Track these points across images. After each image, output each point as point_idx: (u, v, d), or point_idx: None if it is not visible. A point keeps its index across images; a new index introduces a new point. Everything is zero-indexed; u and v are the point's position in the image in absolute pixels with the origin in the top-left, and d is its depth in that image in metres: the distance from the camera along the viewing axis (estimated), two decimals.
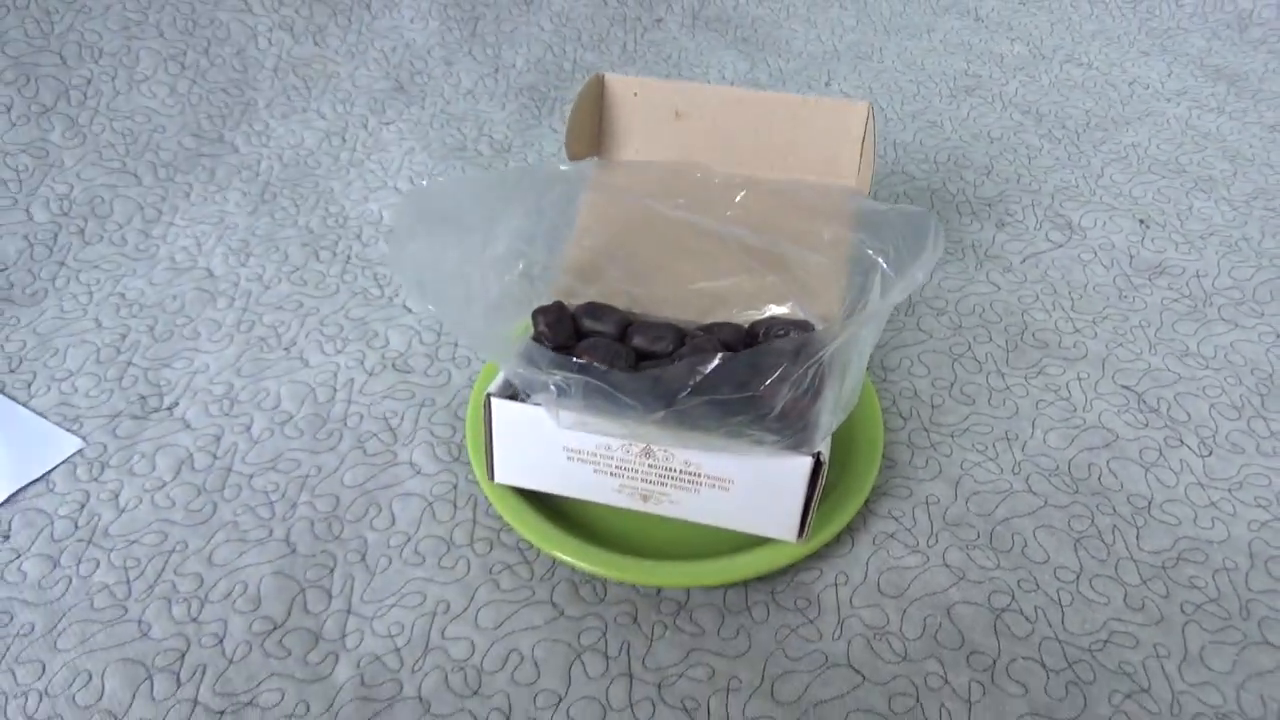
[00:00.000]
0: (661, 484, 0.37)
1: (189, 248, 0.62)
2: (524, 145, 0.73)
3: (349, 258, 0.59)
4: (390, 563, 0.40)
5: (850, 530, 0.41)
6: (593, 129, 0.53)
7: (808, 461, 0.34)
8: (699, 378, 0.31)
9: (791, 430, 0.33)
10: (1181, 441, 0.49)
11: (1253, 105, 0.82)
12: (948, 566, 0.41)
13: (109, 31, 0.74)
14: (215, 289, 0.59)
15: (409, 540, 0.43)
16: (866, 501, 0.41)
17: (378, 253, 0.59)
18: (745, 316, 0.42)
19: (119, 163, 0.68)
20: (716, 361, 0.32)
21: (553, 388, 0.32)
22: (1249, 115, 0.80)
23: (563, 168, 0.43)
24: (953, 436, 0.47)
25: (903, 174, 0.68)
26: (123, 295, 0.58)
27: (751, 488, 0.36)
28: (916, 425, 0.47)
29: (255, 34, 0.78)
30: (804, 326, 0.41)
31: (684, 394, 0.31)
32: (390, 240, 0.40)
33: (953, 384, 0.50)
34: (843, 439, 0.43)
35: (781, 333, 0.40)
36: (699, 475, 0.37)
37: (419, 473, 0.44)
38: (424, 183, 0.37)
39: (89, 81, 0.71)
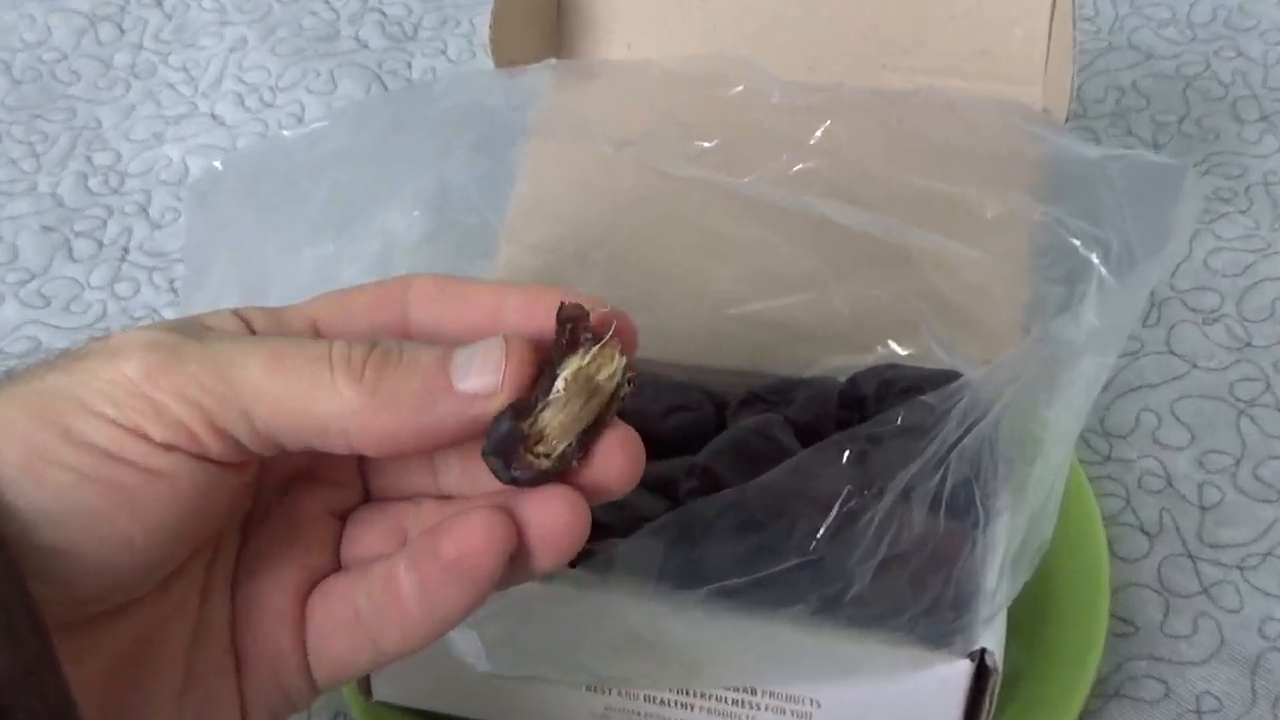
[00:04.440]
0: (686, 708, 0.35)
1: None
2: (438, 27, 0.66)
3: (126, 250, 0.56)
4: None
5: None
6: (545, 15, 0.47)
7: (963, 668, 0.32)
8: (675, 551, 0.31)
9: (918, 609, 0.31)
10: None
11: None
12: None
13: None
14: None
15: None
16: (1083, 715, 0.37)
17: (179, 239, 0.56)
18: (839, 364, 0.40)
19: None
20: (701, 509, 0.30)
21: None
22: None
23: (484, 91, 0.39)
24: (1243, 569, 0.42)
25: (1131, 50, 0.62)
26: None
27: (857, 713, 0.34)
28: (1173, 548, 0.43)
29: None
30: (947, 381, 0.37)
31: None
32: (188, 260, 0.40)
33: (1239, 460, 0.45)
34: (1029, 584, 0.36)
35: (902, 393, 0.36)
36: (754, 693, 0.34)
37: None
38: (240, 144, 0.35)
39: None
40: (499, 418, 0.22)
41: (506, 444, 0.23)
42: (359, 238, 0.36)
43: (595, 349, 0.23)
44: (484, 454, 0.23)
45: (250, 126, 0.61)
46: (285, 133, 0.60)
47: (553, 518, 0.23)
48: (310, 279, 0.35)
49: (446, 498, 0.26)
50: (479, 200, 0.39)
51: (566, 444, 0.23)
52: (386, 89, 0.62)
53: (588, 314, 0.23)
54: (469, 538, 0.23)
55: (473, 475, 0.25)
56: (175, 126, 0.62)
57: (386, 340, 0.23)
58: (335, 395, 0.21)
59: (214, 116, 0.62)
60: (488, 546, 0.23)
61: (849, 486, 0.29)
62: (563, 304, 0.23)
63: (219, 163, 0.37)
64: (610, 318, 0.24)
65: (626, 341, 0.24)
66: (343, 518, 0.27)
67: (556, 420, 0.23)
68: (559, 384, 0.23)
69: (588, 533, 0.24)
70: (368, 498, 0.27)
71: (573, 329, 0.23)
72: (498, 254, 0.40)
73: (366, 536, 0.26)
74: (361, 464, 0.27)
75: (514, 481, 0.23)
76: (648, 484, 0.34)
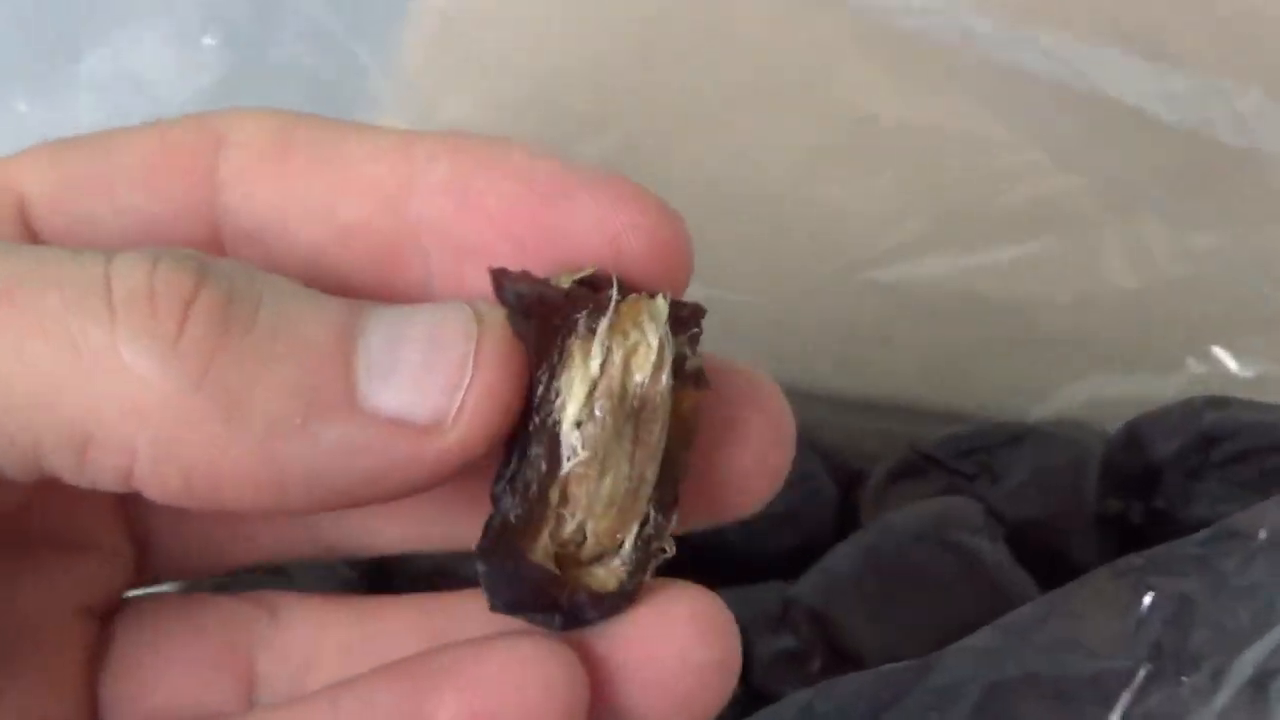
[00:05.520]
0: None
1: None
2: None
3: None
4: None
5: None
6: None
7: None
8: None
9: None
10: None
11: None
12: None
13: None
14: None
15: None
16: None
17: None
18: (1101, 394, 0.33)
19: None
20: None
21: None
22: None
23: None
24: None
25: None
26: None
27: None
28: None
29: None
30: None
31: None
32: None
33: None
34: None
35: (1239, 463, 0.32)
36: None
37: None
38: None
39: None
40: (491, 543, 0.14)
41: (521, 580, 0.14)
42: (80, 88, 0.30)
43: (602, 329, 0.13)
44: (492, 607, 0.14)
45: None
46: None
47: (663, 661, 0.14)
48: None
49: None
50: (338, 23, 0.31)
51: (636, 527, 0.14)
52: None
53: (577, 280, 0.14)
54: (509, 697, 0.13)
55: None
56: None
57: (223, 261, 0.13)
58: (117, 374, 0.12)
59: None
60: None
61: (1147, 664, 0.23)
62: (499, 273, 0.14)
63: None
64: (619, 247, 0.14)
65: (673, 265, 0.14)
66: (108, 617, 0.16)
67: (598, 505, 0.14)
68: (572, 437, 0.13)
69: (739, 659, 0.15)
70: (145, 570, 0.17)
71: (554, 310, 0.14)
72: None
73: (163, 663, 0.16)
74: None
75: (566, 627, 0.14)
76: None
